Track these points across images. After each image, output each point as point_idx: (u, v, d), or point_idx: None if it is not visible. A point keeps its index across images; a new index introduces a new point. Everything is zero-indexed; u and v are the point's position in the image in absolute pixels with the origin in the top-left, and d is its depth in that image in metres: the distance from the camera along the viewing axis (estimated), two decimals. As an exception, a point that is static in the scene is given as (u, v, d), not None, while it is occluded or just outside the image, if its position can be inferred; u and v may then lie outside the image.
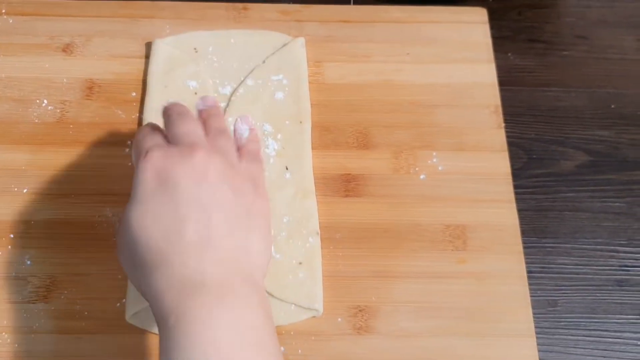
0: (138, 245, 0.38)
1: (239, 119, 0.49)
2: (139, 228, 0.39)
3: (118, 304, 0.51)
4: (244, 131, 0.49)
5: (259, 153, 0.48)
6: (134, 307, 0.50)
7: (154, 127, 0.46)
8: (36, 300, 0.51)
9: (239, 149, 0.47)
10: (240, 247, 0.39)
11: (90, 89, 0.61)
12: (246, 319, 0.36)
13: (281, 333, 0.50)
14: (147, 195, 0.39)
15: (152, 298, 0.38)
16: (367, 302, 0.52)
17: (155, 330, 0.48)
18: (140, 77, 0.62)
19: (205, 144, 0.43)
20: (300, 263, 0.52)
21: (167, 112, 0.46)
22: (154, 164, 0.40)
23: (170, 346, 0.35)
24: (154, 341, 0.50)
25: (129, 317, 0.50)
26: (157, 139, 0.44)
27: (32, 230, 0.54)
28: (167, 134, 0.45)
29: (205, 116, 0.47)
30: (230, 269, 0.38)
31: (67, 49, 0.63)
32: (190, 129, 0.44)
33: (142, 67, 0.63)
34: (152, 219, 0.39)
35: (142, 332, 0.50)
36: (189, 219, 0.39)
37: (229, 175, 0.42)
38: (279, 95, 0.60)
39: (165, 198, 0.39)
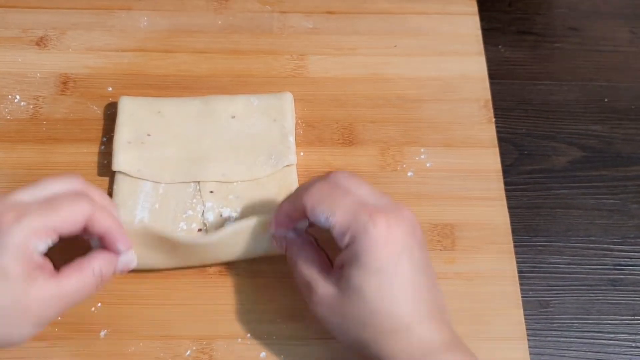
0: (378, 313, 0.41)
1: None
2: (382, 298, 0.41)
3: (93, 309, 0.50)
4: None
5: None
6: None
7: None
8: (7, 305, 0.49)
9: None
10: (443, 304, 0.44)
11: (65, 83, 0.60)
12: None
13: (262, 338, 0.49)
14: (385, 265, 0.41)
15: (383, 355, 0.41)
16: (353, 304, 0.50)
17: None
18: (117, 72, 0.60)
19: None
20: None
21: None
22: (383, 231, 0.41)
23: None
24: (128, 348, 0.48)
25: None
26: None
27: (2, 232, 0.52)
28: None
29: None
30: (448, 330, 0.42)
31: (40, 42, 0.62)
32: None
33: (118, 60, 0.61)
34: (397, 290, 0.41)
35: (118, 339, 0.48)
36: (423, 286, 0.42)
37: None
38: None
39: (402, 267, 0.41)
